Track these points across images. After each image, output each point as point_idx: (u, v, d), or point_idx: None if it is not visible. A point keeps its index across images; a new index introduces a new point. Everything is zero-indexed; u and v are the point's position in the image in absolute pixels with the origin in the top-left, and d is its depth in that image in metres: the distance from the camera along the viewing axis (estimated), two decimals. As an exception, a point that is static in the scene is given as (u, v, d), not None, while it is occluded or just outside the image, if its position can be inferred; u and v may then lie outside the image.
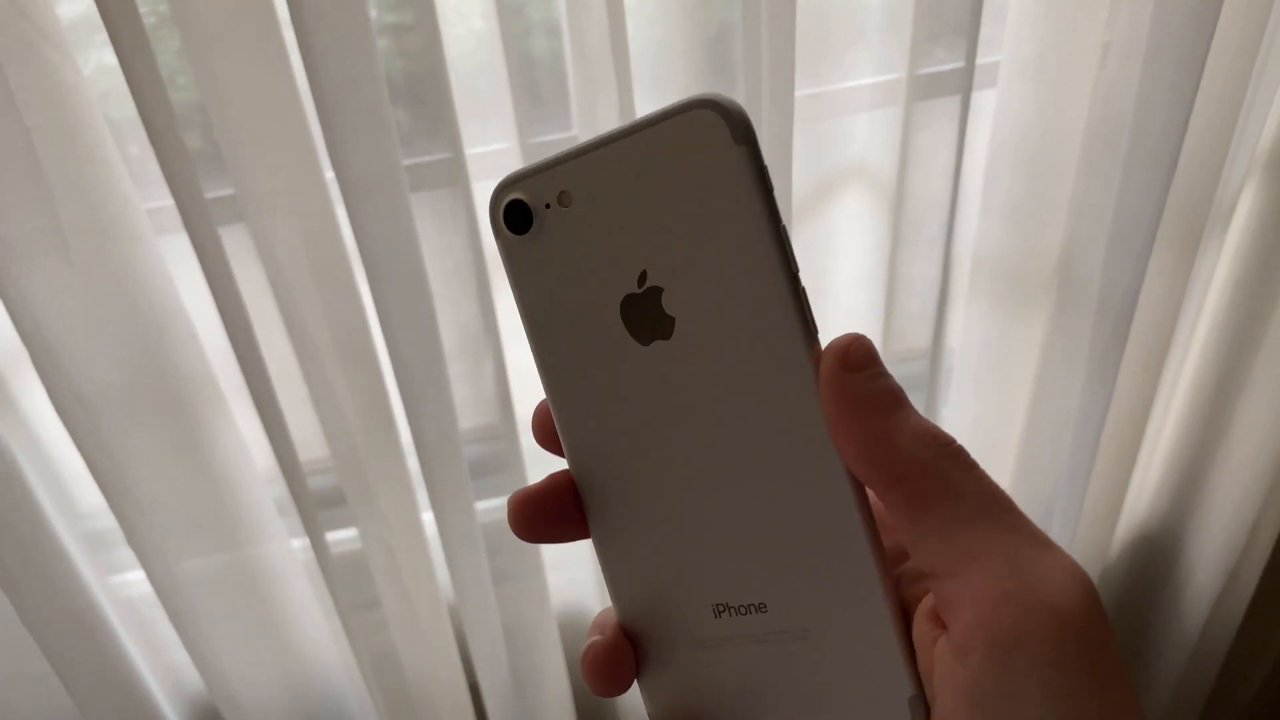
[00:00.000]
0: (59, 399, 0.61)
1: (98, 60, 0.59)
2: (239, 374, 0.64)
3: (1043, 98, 0.72)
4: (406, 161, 0.62)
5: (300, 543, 0.75)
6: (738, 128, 0.26)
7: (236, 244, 0.60)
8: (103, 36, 0.52)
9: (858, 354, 0.25)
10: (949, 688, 0.25)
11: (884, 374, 0.26)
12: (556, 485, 0.30)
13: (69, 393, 0.61)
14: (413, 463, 0.73)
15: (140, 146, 0.60)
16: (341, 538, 0.77)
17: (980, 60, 0.69)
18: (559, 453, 0.30)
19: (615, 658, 0.30)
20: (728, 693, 0.30)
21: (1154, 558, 1.02)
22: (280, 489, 0.70)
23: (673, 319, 0.28)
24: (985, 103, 0.74)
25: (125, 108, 0.55)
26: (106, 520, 0.70)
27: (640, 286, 0.28)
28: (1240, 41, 0.71)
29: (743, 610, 0.29)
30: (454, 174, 0.63)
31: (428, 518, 0.76)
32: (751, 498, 0.28)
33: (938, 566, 0.25)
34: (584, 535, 0.31)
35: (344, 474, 0.72)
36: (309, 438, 0.70)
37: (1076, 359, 0.79)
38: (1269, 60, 0.75)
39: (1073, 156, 0.73)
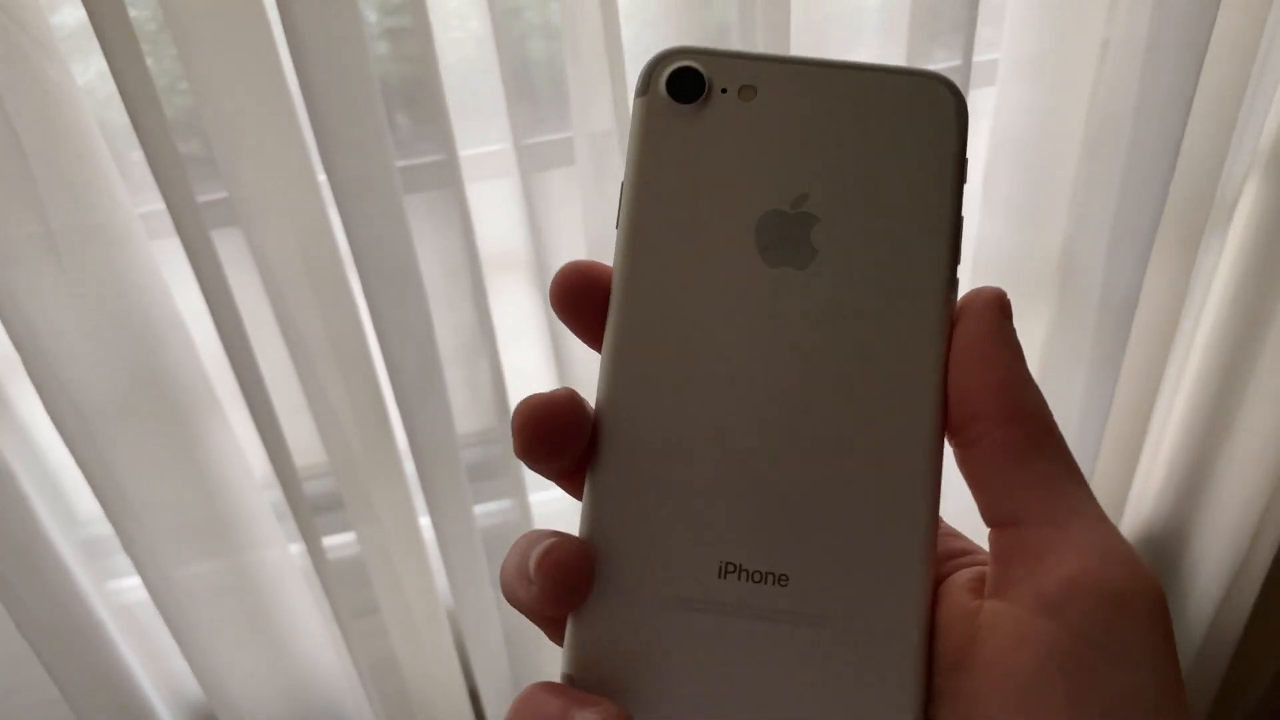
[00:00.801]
0: (53, 405, 0.61)
1: (98, 67, 0.59)
2: (234, 379, 0.64)
3: (1042, 96, 0.72)
4: (400, 163, 0.61)
5: (298, 548, 0.74)
6: (963, 112, 0.26)
7: (230, 248, 0.60)
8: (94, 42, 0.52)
9: (1009, 308, 0.26)
10: (1028, 649, 0.23)
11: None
12: (572, 398, 0.26)
13: (63, 399, 0.61)
14: (409, 467, 0.72)
15: (141, 152, 0.59)
16: (339, 543, 0.77)
17: (978, 58, 0.68)
18: (572, 317, 0.26)
19: (582, 565, 0.25)
20: (688, 669, 0.25)
21: (1157, 559, 1.01)
22: (277, 494, 0.70)
23: (815, 251, 0.26)
24: (984, 101, 0.74)
25: (110, 101, 0.55)
26: (103, 526, 0.70)
27: (793, 209, 0.26)
28: (1239, 38, 0.70)
29: (756, 577, 0.25)
30: (448, 176, 0.62)
31: (425, 522, 0.76)
32: (816, 457, 0.25)
33: (1034, 513, 0.24)
34: (578, 458, 0.26)
35: (341, 479, 0.71)
36: (305, 443, 0.69)
37: (1078, 358, 0.78)
38: (1269, 57, 0.74)
39: (1073, 154, 0.73)
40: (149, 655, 0.79)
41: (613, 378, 0.26)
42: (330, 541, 0.75)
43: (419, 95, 0.61)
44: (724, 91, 0.26)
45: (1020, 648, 0.23)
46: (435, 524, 0.74)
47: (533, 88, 0.65)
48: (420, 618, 0.79)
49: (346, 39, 0.54)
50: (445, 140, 0.61)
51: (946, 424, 0.26)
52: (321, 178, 0.60)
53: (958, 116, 0.26)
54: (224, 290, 0.60)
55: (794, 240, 0.26)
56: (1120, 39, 0.68)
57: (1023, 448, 0.25)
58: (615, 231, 0.27)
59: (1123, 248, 0.72)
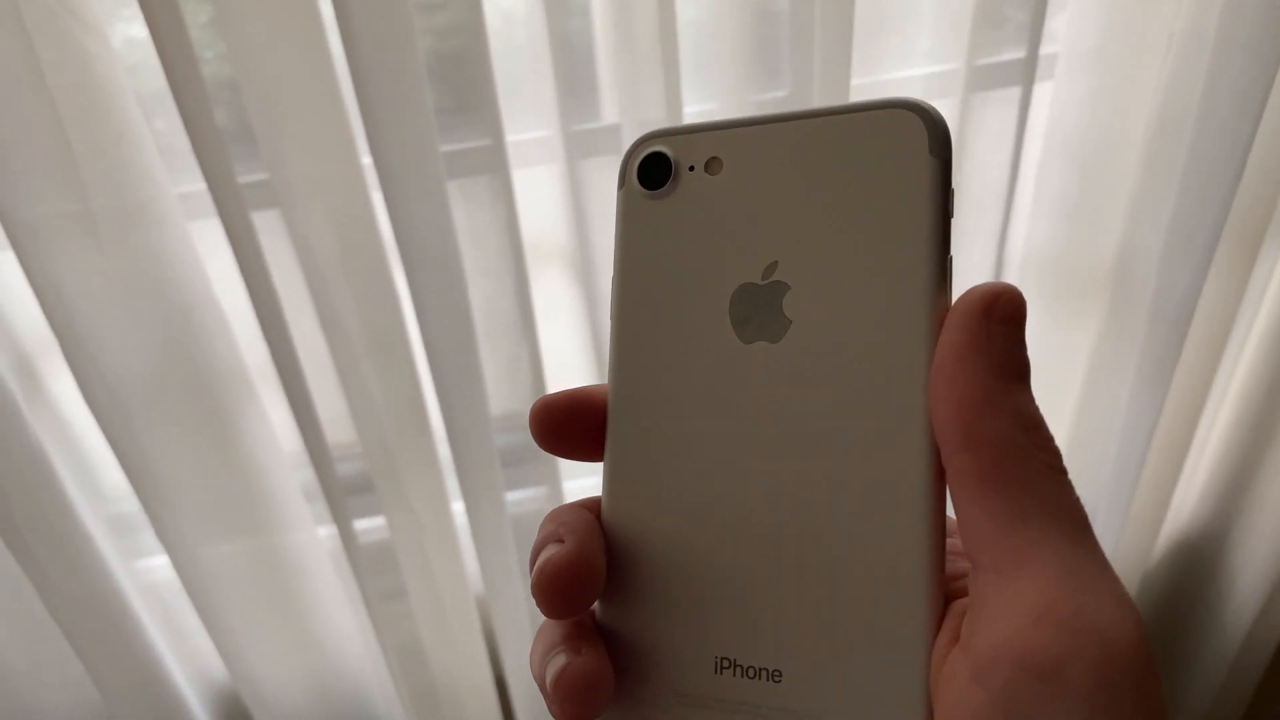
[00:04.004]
0: (86, 383, 0.60)
1: (124, 33, 0.57)
2: (268, 360, 0.63)
3: (1101, 90, 0.69)
4: (444, 148, 0.60)
5: (327, 531, 0.74)
6: (937, 138, 0.24)
7: (268, 229, 0.59)
8: (132, 10, 0.50)
9: (1006, 306, 0.22)
10: (960, 711, 0.21)
11: (1021, 342, 0.23)
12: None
13: (96, 377, 0.60)
14: (443, 452, 0.71)
15: (166, 121, 0.58)
16: (369, 526, 0.76)
17: (1043, 50, 0.66)
18: (558, 451, 0.27)
19: (598, 689, 0.25)
20: None
21: (1197, 565, 1.00)
22: (309, 478, 0.69)
23: (788, 322, 0.24)
24: (1040, 95, 0.71)
25: (152, 82, 0.53)
26: (131, 503, 0.69)
27: (763, 279, 0.25)
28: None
29: (750, 673, 0.24)
30: (493, 161, 0.61)
31: (458, 507, 0.75)
32: (806, 544, 0.24)
33: (983, 558, 0.22)
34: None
35: (374, 463, 0.70)
36: (339, 425, 0.69)
37: (1127, 364, 0.76)
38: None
39: (1132, 153, 0.71)
40: (174, 634, 0.78)
41: (611, 482, 0.26)
42: (361, 525, 0.74)
43: (464, 77, 0.59)
44: (691, 169, 0.26)
45: (954, 708, 0.22)
46: (468, 509, 0.73)
47: (577, 72, 0.64)
48: (449, 604, 0.78)
49: (395, 15, 0.52)
50: (492, 125, 0.59)
51: None
52: (365, 160, 0.59)
53: (931, 144, 0.23)
54: (262, 271, 0.59)
55: (767, 312, 0.25)
56: (1186, 32, 0.66)
57: (977, 481, 0.22)
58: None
59: (1179, 253, 0.70)
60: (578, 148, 0.64)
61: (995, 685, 0.20)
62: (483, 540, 0.74)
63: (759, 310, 0.25)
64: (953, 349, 0.22)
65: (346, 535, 0.71)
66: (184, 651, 0.79)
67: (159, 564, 0.76)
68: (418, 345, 0.65)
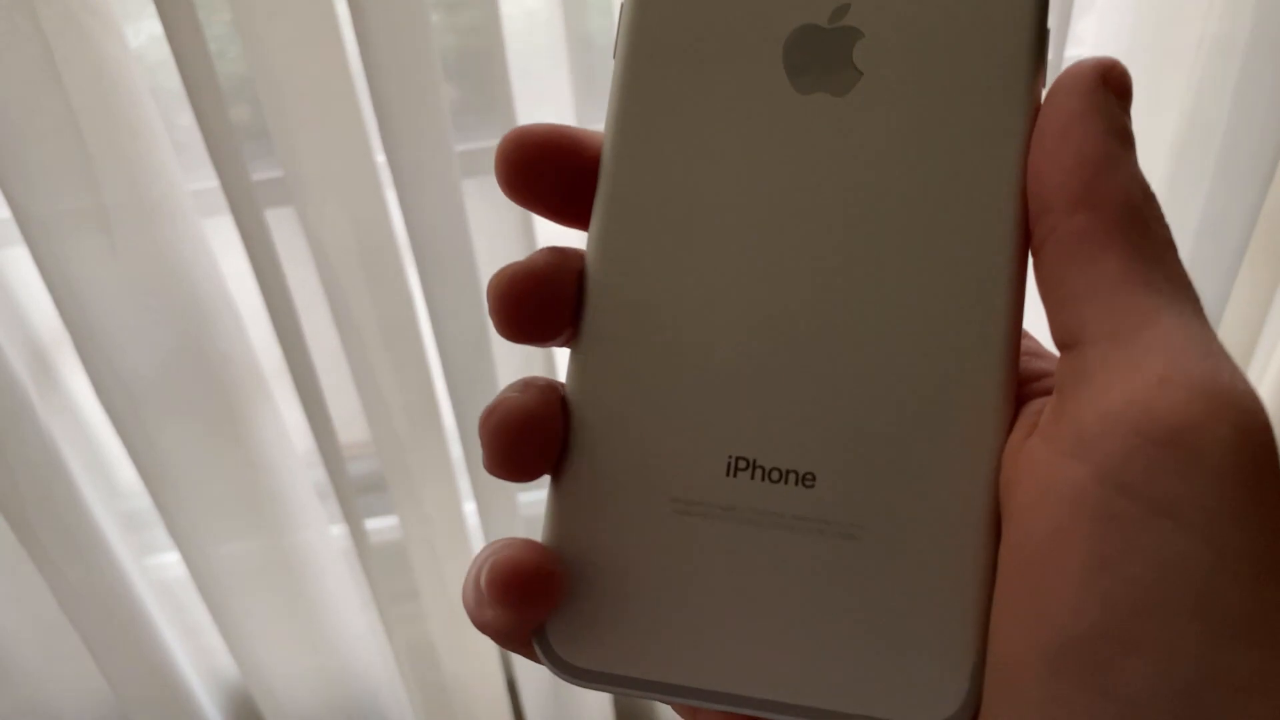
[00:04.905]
0: (99, 379, 0.60)
1: (144, 30, 0.57)
2: (281, 358, 0.63)
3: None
4: (460, 147, 0.59)
5: (339, 530, 0.74)
6: None
7: (282, 226, 0.59)
8: (150, 8, 0.50)
9: (1119, 78, 0.20)
10: (1050, 501, 0.18)
11: (1130, 118, 0.20)
12: (553, 261, 0.21)
13: (109, 374, 0.60)
14: (456, 451, 0.71)
15: (188, 118, 0.58)
16: (381, 526, 0.76)
17: (1069, 53, 0.65)
18: (526, 199, 0.22)
19: (536, 435, 0.20)
20: (685, 594, 0.20)
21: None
22: (321, 477, 0.69)
23: (858, 75, 0.20)
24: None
25: (171, 79, 0.53)
26: (144, 499, 0.69)
27: (831, 22, 0.21)
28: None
29: (775, 475, 0.20)
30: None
31: (470, 508, 0.74)
32: (854, 322, 0.20)
33: (1093, 328, 0.19)
34: (565, 329, 0.21)
35: (386, 463, 0.70)
36: (351, 424, 0.68)
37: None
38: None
39: (1160, 158, 0.70)
40: (186, 631, 0.78)
41: (605, 227, 0.21)
42: (372, 524, 0.74)
43: (479, 73, 0.59)
44: None
45: (1043, 500, 0.18)
46: (480, 510, 0.72)
47: (594, 68, 0.63)
48: (460, 605, 0.78)
49: (411, 25, 0.52)
50: (509, 124, 0.59)
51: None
52: (379, 159, 0.58)
53: None
54: (276, 269, 0.59)
55: (832, 60, 0.21)
56: (1217, 35, 0.65)
57: (1090, 240, 0.19)
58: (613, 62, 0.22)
59: (1207, 260, 0.69)
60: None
61: (1104, 457, 0.17)
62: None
63: (821, 57, 0.21)
64: (1066, 112, 0.19)
65: (358, 535, 0.71)
66: (195, 648, 0.79)
67: (171, 560, 0.76)
68: (431, 345, 0.65)
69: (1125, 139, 0.19)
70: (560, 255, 0.22)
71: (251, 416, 0.66)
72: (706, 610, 0.20)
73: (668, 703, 0.20)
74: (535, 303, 0.21)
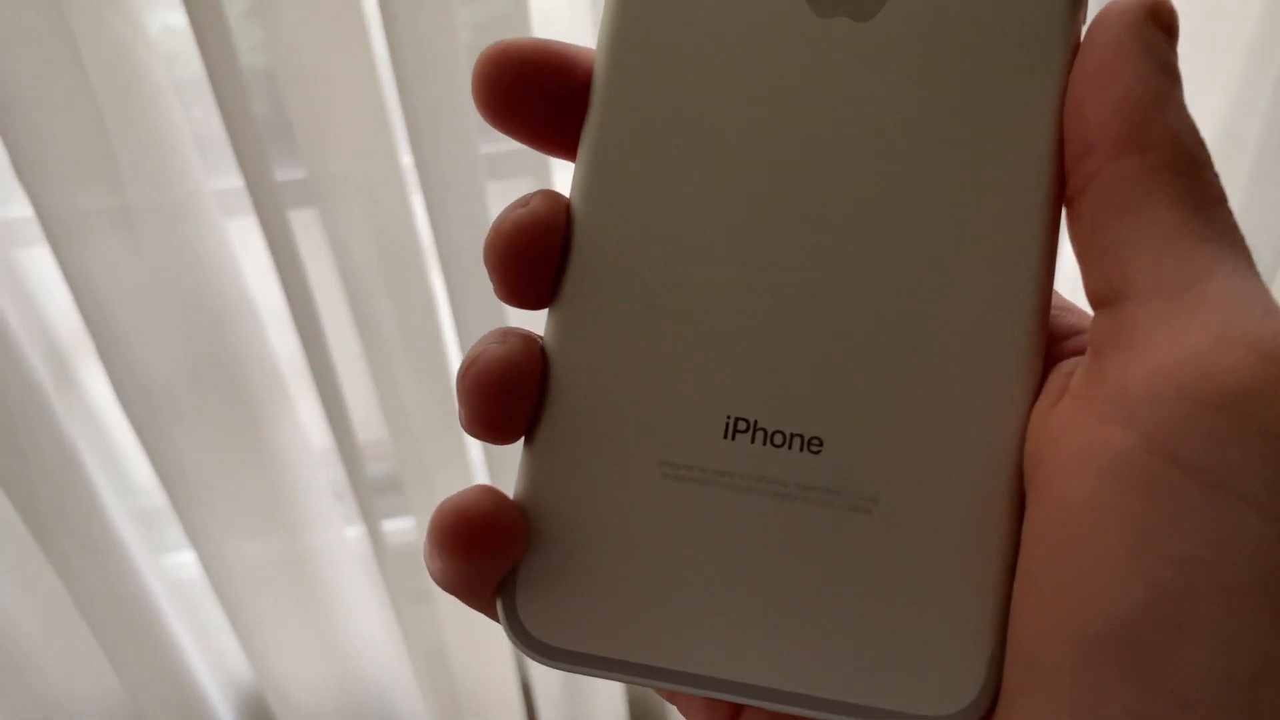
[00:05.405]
0: (117, 378, 0.60)
1: (161, 21, 0.57)
2: (301, 359, 0.62)
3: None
4: (485, 149, 0.59)
5: (355, 531, 0.73)
6: None
7: (305, 227, 0.59)
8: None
9: (1167, 14, 0.18)
10: (1087, 468, 0.16)
11: (1177, 55, 0.18)
12: (555, 209, 0.19)
13: (129, 374, 0.60)
14: (475, 453, 0.71)
15: (204, 110, 0.58)
16: (398, 527, 0.76)
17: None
18: (506, 123, 0.19)
19: (521, 388, 0.18)
20: (676, 568, 0.18)
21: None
22: (338, 474, 0.69)
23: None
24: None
25: (189, 69, 0.53)
26: (159, 497, 0.69)
27: None
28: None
29: (778, 439, 0.18)
30: (535, 163, 0.60)
31: (486, 512, 0.74)
32: (869, 272, 0.18)
33: (1141, 278, 0.17)
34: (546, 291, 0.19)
35: (404, 461, 0.70)
36: (370, 424, 0.68)
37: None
38: None
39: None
40: (200, 632, 0.78)
41: (595, 159, 0.19)
42: (389, 526, 0.74)
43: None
44: None
45: (1077, 470, 0.16)
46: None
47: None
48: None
49: (439, 24, 0.51)
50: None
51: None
52: (404, 161, 0.58)
53: None
54: (298, 270, 0.58)
55: None
56: (1253, 43, 0.64)
57: (1139, 186, 0.17)
58: None
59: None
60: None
61: (1152, 423, 0.15)
62: (512, 545, 0.74)
63: None
64: (1111, 46, 0.18)
65: (375, 535, 0.71)
66: (209, 649, 0.79)
67: (186, 560, 0.75)
68: (453, 347, 0.65)
69: (1175, 78, 0.17)
70: (558, 200, 0.19)
71: (270, 418, 0.66)
72: (695, 586, 0.18)
73: (648, 686, 0.18)
74: (537, 254, 0.19)
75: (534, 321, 0.20)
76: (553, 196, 0.19)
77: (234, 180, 0.55)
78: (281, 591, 0.73)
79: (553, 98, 0.19)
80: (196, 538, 0.68)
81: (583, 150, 0.19)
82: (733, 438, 0.18)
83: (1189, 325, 0.16)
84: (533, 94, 0.19)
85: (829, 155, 0.18)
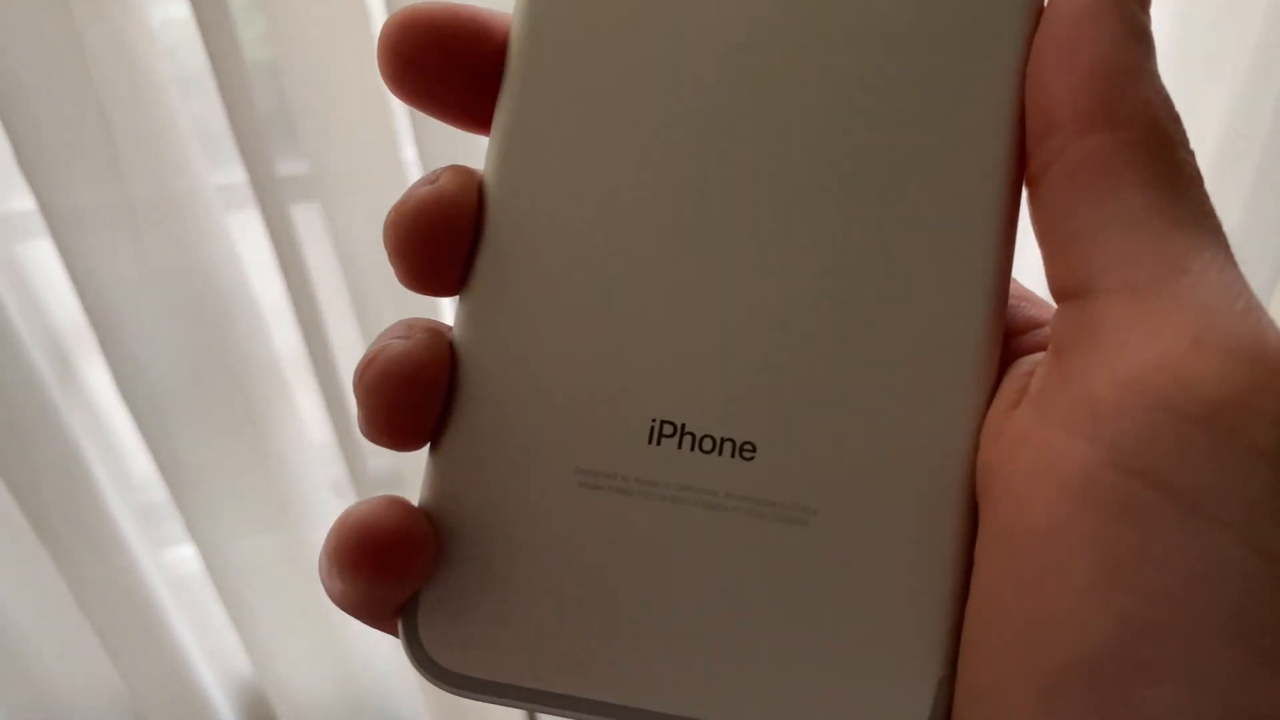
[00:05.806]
0: (121, 374, 0.60)
1: (162, 15, 0.57)
2: (303, 354, 0.63)
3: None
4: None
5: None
6: None
7: (307, 222, 0.58)
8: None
9: None
10: (1049, 484, 0.15)
11: (1149, 16, 0.16)
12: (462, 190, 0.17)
13: (131, 368, 0.60)
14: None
15: (204, 102, 0.58)
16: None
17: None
18: (413, 94, 0.18)
19: (427, 390, 0.17)
20: (593, 589, 0.16)
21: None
22: (339, 470, 0.68)
23: None
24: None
25: (189, 62, 0.53)
26: (159, 492, 0.69)
27: None
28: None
29: (706, 445, 0.16)
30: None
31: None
32: (806, 261, 0.16)
33: (1107, 271, 0.15)
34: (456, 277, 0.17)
35: (404, 457, 0.70)
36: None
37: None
38: None
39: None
40: (201, 628, 0.78)
41: (509, 134, 0.17)
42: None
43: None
44: None
45: (1037, 487, 0.15)
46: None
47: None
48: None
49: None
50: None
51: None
52: (407, 155, 0.58)
53: None
54: (300, 265, 0.58)
55: None
56: (1260, 45, 0.63)
57: (1107, 166, 0.15)
58: None
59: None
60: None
61: (1120, 435, 0.14)
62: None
63: None
64: (1077, 9, 0.16)
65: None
66: (209, 644, 0.79)
67: (187, 555, 0.75)
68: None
69: (1148, 42, 0.16)
70: (470, 177, 0.18)
71: (271, 412, 0.66)
72: (615, 608, 0.16)
73: (563, 718, 0.17)
74: (443, 237, 0.17)
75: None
76: (463, 172, 0.17)
77: (236, 174, 0.55)
78: (283, 587, 0.73)
79: (464, 67, 0.17)
80: (197, 533, 0.68)
81: (497, 123, 0.17)
82: (657, 443, 0.16)
83: (1162, 325, 0.14)
84: (443, 63, 0.17)
85: (764, 130, 0.17)
